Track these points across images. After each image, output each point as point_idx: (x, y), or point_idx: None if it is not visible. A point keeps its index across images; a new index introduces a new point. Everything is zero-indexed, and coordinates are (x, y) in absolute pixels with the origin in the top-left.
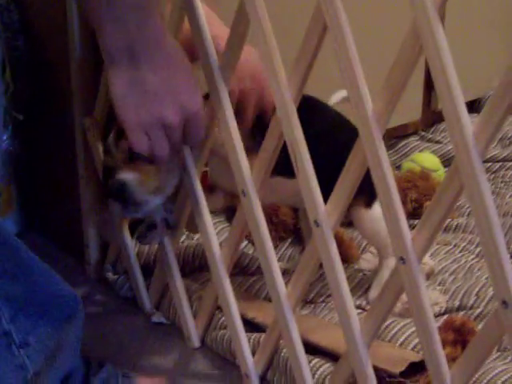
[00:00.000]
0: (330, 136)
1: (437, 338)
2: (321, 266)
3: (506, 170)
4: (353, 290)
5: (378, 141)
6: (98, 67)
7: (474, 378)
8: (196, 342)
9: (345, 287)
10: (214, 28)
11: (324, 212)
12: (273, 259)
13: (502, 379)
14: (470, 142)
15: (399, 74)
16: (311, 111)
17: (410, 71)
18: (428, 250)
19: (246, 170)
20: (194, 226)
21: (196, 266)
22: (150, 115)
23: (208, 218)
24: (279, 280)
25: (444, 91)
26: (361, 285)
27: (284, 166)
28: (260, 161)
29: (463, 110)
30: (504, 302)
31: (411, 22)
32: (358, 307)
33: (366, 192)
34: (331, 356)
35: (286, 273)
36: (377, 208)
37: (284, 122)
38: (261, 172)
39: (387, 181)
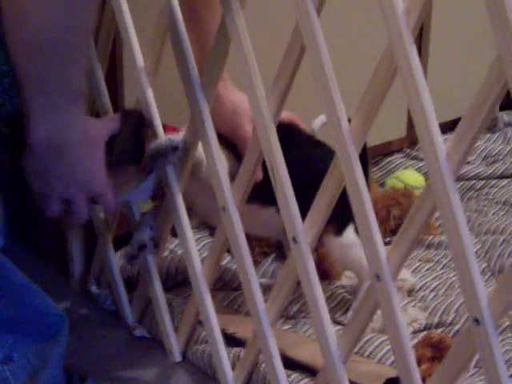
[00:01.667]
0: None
1: (411, 354)
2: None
3: (490, 187)
4: (335, 308)
5: (353, 158)
6: None
7: None
8: (177, 357)
9: (322, 303)
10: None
11: (302, 229)
12: (252, 274)
13: None
14: (442, 162)
15: (374, 94)
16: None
17: (385, 91)
18: (402, 266)
19: (226, 186)
20: None
21: (179, 281)
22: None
23: (190, 234)
24: (258, 295)
25: (417, 111)
26: (344, 302)
27: (262, 194)
28: (240, 177)
29: (436, 129)
30: (476, 320)
31: (387, 43)
32: (338, 323)
33: (336, 220)
34: (310, 371)
35: (268, 289)
36: (348, 235)
37: (263, 140)
38: (241, 188)
39: (362, 198)
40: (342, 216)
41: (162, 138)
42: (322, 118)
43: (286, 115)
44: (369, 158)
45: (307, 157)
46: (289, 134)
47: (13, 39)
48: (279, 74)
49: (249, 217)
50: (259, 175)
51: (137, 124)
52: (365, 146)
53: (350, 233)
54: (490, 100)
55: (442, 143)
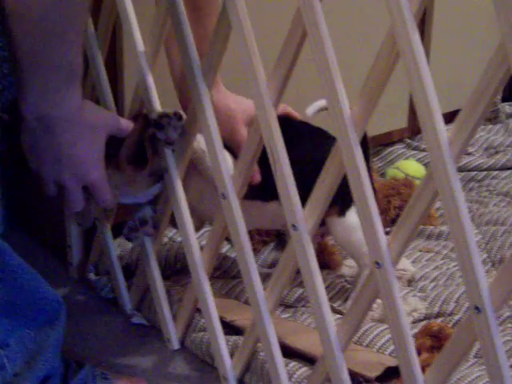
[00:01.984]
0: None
1: (410, 341)
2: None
3: (491, 179)
4: (334, 297)
5: (354, 145)
6: (85, 67)
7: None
8: (175, 344)
9: (321, 291)
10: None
11: (301, 216)
12: (251, 262)
13: None
14: (444, 148)
15: (376, 80)
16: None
17: (386, 77)
18: (403, 254)
19: (226, 173)
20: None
21: (178, 269)
22: (54, 173)
23: (189, 221)
24: (257, 283)
25: (419, 96)
26: (342, 292)
27: (264, 191)
28: (240, 163)
29: (438, 115)
30: (476, 308)
31: (388, 27)
32: (338, 312)
33: (339, 201)
34: (308, 360)
35: (267, 278)
36: (351, 217)
37: (263, 126)
38: (241, 174)
39: (363, 185)
40: (345, 197)
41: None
42: (315, 105)
43: (279, 108)
44: (370, 146)
45: (312, 147)
46: (288, 127)
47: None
48: (280, 60)
49: (253, 213)
50: (257, 177)
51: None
52: (365, 134)
53: (352, 214)
54: (492, 86)
55: (444, 129)
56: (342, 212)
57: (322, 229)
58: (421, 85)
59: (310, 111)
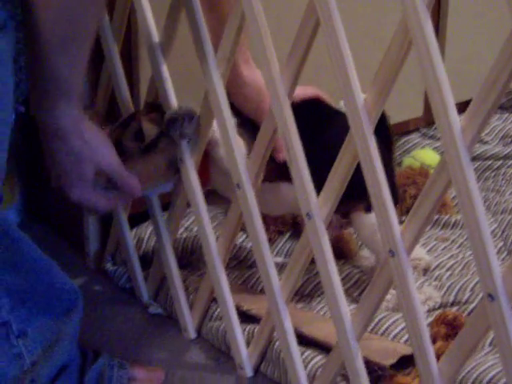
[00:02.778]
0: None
1: (425, 329)
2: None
3: (508, 167)
4: (351, 288)
5: (368, 133)
6: (99, 57)
7: (464, 373)
8: (192, 334)
9: (336, 279)
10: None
11: (316, 204)
12: (266, 251)
13: (492, 373)
14: (457, 136)
15: (389, 68)
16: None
17: (399, 66)
18: (417, 242)
19: (241, 163)
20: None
21: (193, 260)
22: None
23: (204, 210)
24: (273, 272)
25: (432, 84)
26: (360, 282)
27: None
28: (255, 154)
29: (451, 103)
30: (490, 296)
31: (401, 16)
32: (354, 300)
33: (366, 198)
34: (324, 348)
35: (283, 267)
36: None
37: (277, 115)
38: (255, 165)
39: (377, 173)
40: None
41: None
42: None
43: (311, 91)
44: (393, 135)
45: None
46: (318, 110)
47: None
48: (294, 49)
49: (275, 195)
50: (282, 156)
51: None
52: (388, 126)
53: None
54: (505, 74)
55: (456, 117)
56: (368, 209)
57: (342, 221)
58: (433, 72)
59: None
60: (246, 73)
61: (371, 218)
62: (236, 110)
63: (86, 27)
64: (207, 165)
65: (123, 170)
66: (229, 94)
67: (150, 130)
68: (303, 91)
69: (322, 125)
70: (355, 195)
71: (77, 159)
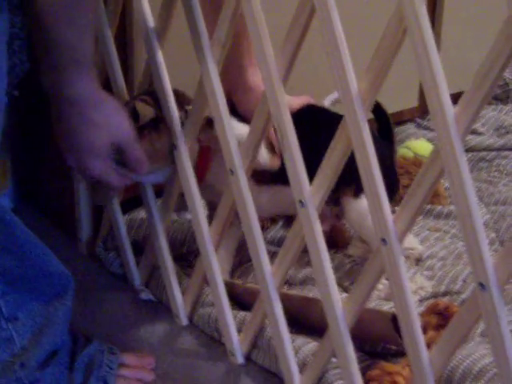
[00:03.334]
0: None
1: (416, 318)
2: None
3: (501, 158)
4: (341, 278)
5: (362, 121)
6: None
7: (454, 362)
8: (183, 320)
9: (328, 267)
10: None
11: (309, 192)
12: (259, 237)
13: (483, 363)
14: (451, 124)
15: (383, 55)
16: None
17: (393, 54)
18: (409, 231)
19: (234, 148)
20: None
21: (184, 252)
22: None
23: (197, 195)
24: (264, 259)
25: (426, 72)
26: (349, 273)
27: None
28: (249, 139)
29: (445, 90)
30: (481, 285)
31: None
32: (346, 291)
33: (355, 182)
34: (315, 333)
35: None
36: (365, 199)
37: (271, 101)
38: (249, 150)
39: (370, 161)
40: (360, 178)
41: (172, 101)
42: (330, 97)
43: (302, 100)
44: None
45: None
46: (316, 114)
47: None
48: (289, 36)
49: (276, 198)
50: (277, 162)
51: None
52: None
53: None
54: (499, 62)
55: (450, 104)
56: (357, 193)
57: (337, 209)
58: (427, 59)
59: (326, 103)
60: (252, 78)
61: (360, 202)
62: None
63: None
64: (208, 160)
65: (136, 142)
66: (230, 96)
67: (143, 109)
68: (298, 100)
69: (322, 127)
70: (344, 179)
71: (91, 128)
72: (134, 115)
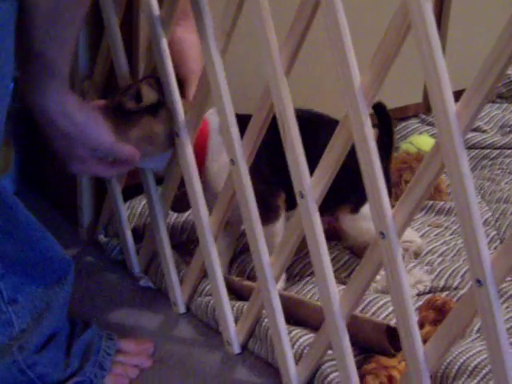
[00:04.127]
0: None
1: (412, 312)
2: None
3: (505, 157)
4: (339, 270)
5: (363, 116)
6: (97, 29)
7: (450, 358)
8: (181, 308)
9: (326, 259)
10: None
11: (309, 184)
12: (258, 228)
13: (478, 359)
14: (452, 120)
15: (387, 50)
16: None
17: (397, 49)
18: (408, 225)
19: (236, 138)
20: (182, 205)
21: (183, 240)
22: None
23: (198, 185)
24: (263, 249)
25: (429, 67)
26: (347, 266)
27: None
28: (250, 131)
29: (447, 86)
30: (478, 281)
31: None
32: (343, 283)
33: (352, 200)
34: (311, 327)
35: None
36: (364, 210)
37: (274, 93)
38: (250, 141)
39: (371, 154)
40: (358, 195)
41: (176, 89)
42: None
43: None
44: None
45: None
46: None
47: None
48: (293, 27)
49: None
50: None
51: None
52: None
53: (365, 209)
54: (503, 59)
55: (452, 100)
56: (355, 210)
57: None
58: (430, 55)
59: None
60: (181, 31)
61: (357, 215)
62: None
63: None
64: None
65: (117, 146)
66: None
67: (148, 92)
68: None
69: (322, 128)
70: (341, 196)
71: (65, 138)
72: (139, 97)
